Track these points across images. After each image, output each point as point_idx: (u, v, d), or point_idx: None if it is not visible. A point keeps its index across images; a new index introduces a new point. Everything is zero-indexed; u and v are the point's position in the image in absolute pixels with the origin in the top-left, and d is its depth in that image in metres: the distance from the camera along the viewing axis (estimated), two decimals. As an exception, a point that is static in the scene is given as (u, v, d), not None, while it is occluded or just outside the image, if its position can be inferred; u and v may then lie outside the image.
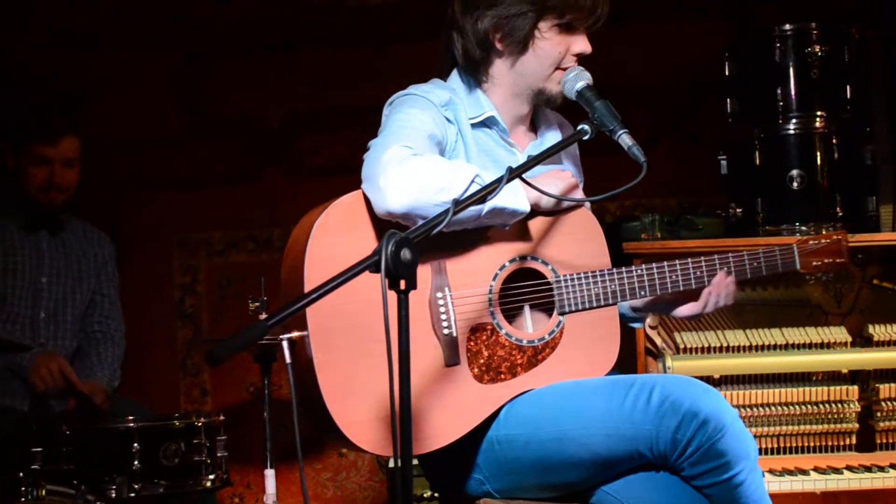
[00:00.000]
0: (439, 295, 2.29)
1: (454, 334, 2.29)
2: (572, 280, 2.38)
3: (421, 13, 4.13)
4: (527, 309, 2.44)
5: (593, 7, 2.43)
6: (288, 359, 2.03)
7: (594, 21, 2.46)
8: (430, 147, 2.30)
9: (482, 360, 2.31)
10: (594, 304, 2.39)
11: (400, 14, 4.18)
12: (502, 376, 2.32)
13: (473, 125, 2.48)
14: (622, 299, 2.40)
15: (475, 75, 2.50)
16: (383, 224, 2.19)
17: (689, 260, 2.44)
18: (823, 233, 2.66)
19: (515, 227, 2.36)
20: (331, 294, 1.86)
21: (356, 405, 2.18)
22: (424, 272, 2.25)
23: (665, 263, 2.42)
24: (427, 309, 2.26)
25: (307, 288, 2.16)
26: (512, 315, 2.41)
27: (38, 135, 3.45)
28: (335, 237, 2.20)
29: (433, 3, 4.05)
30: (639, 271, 2.41)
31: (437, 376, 2.27)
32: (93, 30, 4.15)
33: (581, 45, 2.45)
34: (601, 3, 2.44)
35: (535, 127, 2.61)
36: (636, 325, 2.76)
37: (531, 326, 2.43)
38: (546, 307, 2.42)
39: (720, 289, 2.46)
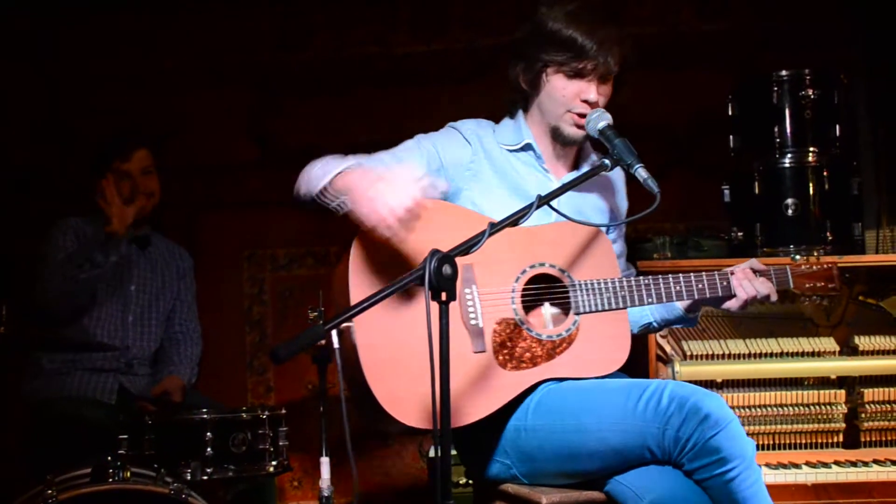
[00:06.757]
0: (467, 291, 2.42)
1: (480, 325, 2.41)
2: (586, 285, 2.49)
3: (456, 60, 4.30)
4: (548, 307, 2.55)
5: (598, 60, 2.50)
6: (336, 345, 2.09)
7: (605, 71, 2.53)
8: (404, 160, 2.54)
9: (506, 350, 2.42)
10: (606, 307, 2.49)
11: (439, 60, 4.31)
12: (524, 365, 2.43)
13: (511, 150, 2.61)
14: (631, 304, 2.51)
15: (522, 109, 2.68)
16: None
17: (692, 274, 2.56)
18: (814, 257, 2.75)
19: (537, 239, 2.49)
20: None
21: (395, 383, 2.28)
22: None
23: (670, 276, 2.54)
24: (456, 302, 2.31)
25: (352, 290, 2.31)
26: (532, 312, 2.52)
27: (114, 154, 3.56)
28: (372, 251, 2.36)
29: (466, 52, 4.22)
30: (646, 281, 2.52)
31: (465, 361, 2.39)
32: (179, 72, 4.30)
33: (587, 92, 2.54)
34: (608, 57, 2.50)
35: (577, 164, 2.72)
36: (686, 325, 2.79)
37: (550, 323, 2.54)
38: (563, 307, 2.53)
39: (741, 279, 2.56)
